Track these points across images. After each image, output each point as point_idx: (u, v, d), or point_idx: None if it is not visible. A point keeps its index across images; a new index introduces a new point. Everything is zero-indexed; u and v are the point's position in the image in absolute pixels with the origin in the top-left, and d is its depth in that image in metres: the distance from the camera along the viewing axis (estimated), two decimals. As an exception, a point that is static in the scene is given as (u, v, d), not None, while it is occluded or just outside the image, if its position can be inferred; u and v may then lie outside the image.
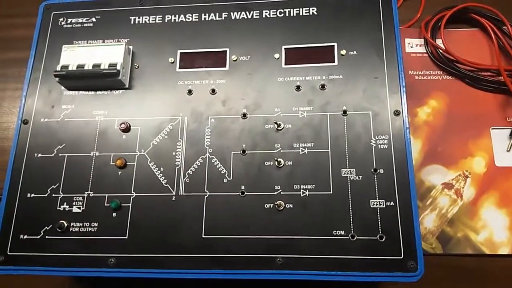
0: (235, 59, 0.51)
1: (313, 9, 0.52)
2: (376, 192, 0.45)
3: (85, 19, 0.55)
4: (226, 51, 0.52)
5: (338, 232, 0.44)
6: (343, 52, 0.50)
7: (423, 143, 0.59)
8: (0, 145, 0.66)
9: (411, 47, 0.65)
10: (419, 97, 0.62)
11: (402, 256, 0.43)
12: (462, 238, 0.55)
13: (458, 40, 0.64)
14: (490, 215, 0.56)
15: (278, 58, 0.51)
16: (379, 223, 0.44)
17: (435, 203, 0.57)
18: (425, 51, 0.64)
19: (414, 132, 0.60)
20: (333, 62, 0.50)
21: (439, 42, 0.63)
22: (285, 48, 0.51)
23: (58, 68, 0.50)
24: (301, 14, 0.52)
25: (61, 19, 0.56)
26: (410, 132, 0.46)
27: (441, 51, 0.62)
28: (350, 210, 0.44)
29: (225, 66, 0.52)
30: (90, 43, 0.54)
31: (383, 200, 0.44)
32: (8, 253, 0.47)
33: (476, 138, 0.59)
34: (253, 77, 0.51)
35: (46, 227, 0.47)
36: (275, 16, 0.53)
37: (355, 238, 0.44)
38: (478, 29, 0.65)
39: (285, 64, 0.51)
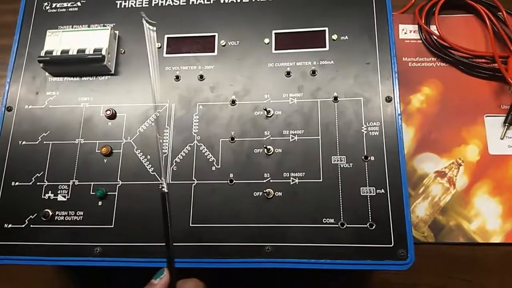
0: (223, 44, 0.50)
1: (304, -7, 0.51)
2: (367, 179, 0.44)
3: (70, 3, 0.54)
4: (214, 36, 0.51)
5: (328, 220, 0.43)
6: (335, 37, 0.49)
7: (416, 130, 0.58)
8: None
9: (405, 33, 0.64)
10: (413, 84, 0.61)
11: (393, 244, 0.42)
12: (455, 227, 0.55)
13: (452, 26, 0.63)
14: (483, 204, 0.55)
15: (268, 43, 0.50)
16: (369, 211, 0.43)
17: (427, 192, 0.56)
18: (419, 37, 0.63)
19: (407, 119, 0.59)
20: (324, 47, 0.49)
21: (433, 28, 0.62)
22: (275, 33, 0.50)
23: (42, 53, 0.49)
24: (292, -3, 0.51)
25: (46, 4, 0.54)
26: (401, 119, 0.45)
27: (435, 37, 0.61)
28: (340, 198, 0.44)
29: (213, 51, 0.50)
30: (75, 27, 0.53)
31: (374, 188, 0.43)
32: (-8, 243, 0.46)
33: (469, 126, 0.58)
34: (242, 62, 0.49)
35: (31, 216, 0.46)
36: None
37: (345, 226, 0.43)
38: (472, 15, 0.64)
39: (275, 49, 0.49)
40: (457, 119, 0.59)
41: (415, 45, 0.63)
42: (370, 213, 0.43)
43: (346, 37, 0.49)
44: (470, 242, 0.54)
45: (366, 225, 0.43)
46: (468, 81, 0.60)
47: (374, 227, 0.42)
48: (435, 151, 0.58)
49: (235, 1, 0.52)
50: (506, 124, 0.57)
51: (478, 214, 0.55)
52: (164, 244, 0.38)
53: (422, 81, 0.61)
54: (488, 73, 0.60)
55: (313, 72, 0.48)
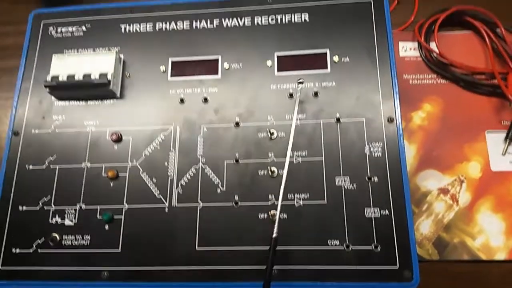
0: (227, 67, 0.51)
1: (305, 15, 0.52)
2: (371, 200, 0.44)
3: (75, 27, 0.55)
4: (218, 59, 0.51)
5: (333, 242, 0.43)
6: (336, 59, 0.50)
7: (418, 148, 0.59)
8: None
9: (405, 50, 0.65)
10: (414, 102, 0.61)
11: (398, 266, 0.42)
12: (459, 244, 0.55)
13: (452, 43, 0.63)
14: (486, 220, 0.55)
15: (270, 66, 0.50)
16: (374, 232, 0.43)
17: (431, 209, 0.56)
18: (419, 54, 0.64)
19: (409, 137, 0.59)
20: (326, 69, 0.50)
21: (433, 45, 0.63)
22: (277, 56, 0.51)
23: (48, 78, 0.50)
24: (293, 21, 0.52)
25: (51, 28, 0.55)
26: (404, 139, 0.46)
27: (435, 54, 0.62)
28: (345, 220, 0.44)
29: (217, 74, 0.51)
30: (80, 51, 0.54)
31: (378, 209, 0.44)
32: (0, 268, 0.46)
33: (471, 142, 0.59)
34: (245, 85, 0.50)
35: (39, 241, 0.47)
36: (267, 23, 0.52)
37: (350, 248, 0.43)
38: (471, 32, 0.64)
39: (278, 71, 0.50)
40: (459, 135, 0.59)
41: (415, 62, 0.64)
42: (374, 234, 0.43)
43: (347, 59, 0.50)
44: (474, 259, 0.54)
45: (371, 247, 0.43)
46: (468, 98, 0.61)
47: (379, 248, 0.43)
48: (437, 168, 0.58)
49: (237, 25, 0.52)
50: (508, 140, 0.58)
51: (482, 231, 0.55)
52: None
53: (423, 98, 0.61)
54: (488, 89, 0.60)
55: (316, 94, 0.49)
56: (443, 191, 0.57)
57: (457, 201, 0.57)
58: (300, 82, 0.47)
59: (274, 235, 0.41)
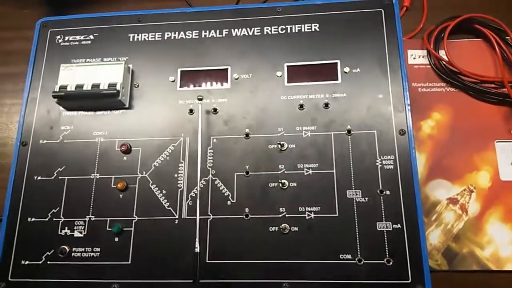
0: (236, 77, 0.51)
1: (315, 25, 0.52)
2: (383, 214, 0.44)
3: (83, 36, 0.54)
4: (227, 69, 0.51)
5: (345, 256, 0.43)
6: (347, 69, 0.49)
7: (428, 157, 0.59)
8: (-2, 162, 0.65)
9: (414, 58, 0.64)
10: (423, 110, 0.61)
11: (410, 280, 0.42)
12: (468, 254, 0.55)
13: (461, 51, 0.63)
14: (496, 230, 0.55)
15: (280, 76, 0.50)
16: (386, 246, 0.43)
17: (440, 219, 0.56)
18: (428, 62, 0.63)
19: (418, 146, 0.59)
20: (337, 80, 0.49)
21: (442, 53, 0.62)
22: (287, 66, 0.51)
23: (57, 88, 0.50)
24: (303, 30, 0.52)
25: (58, 37, 0.55)
26: (415, 152, 0.46)
27: (444, 62, 0.62)
28: (357, 233, 0.44)
29: (226, 84, 0.51)
30: (88, 61, 0.53)
31: (390, 223, 0.44)
32: (10, 279, 0.46)
33: (480, 152, 0.59)
34: (255, 95, 0.50)
35: (48, 253, 0.46)
36: (277, 32, 0.52)
37: (362, 262, 0.43)
38: (481, 40, 0.64)
39: (288, 82, 0.50)
40: (468, 145, 0.59)
41: (424, 70, 0.63)
42: (387, 248, 0.43)
43: (358, 70, 0.49)
44: (483, 270, 0.54)
45: (383, 261, 0.43)
46: (477, 107, 0.61)
47: (391, 263, 0.43)
48: (447, 177, 0.58)
49: (247, 34, 0.52)
50: (517, 149, 0.57)
51: (491, 241, 0.55)
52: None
53: (432, 106, 0.61)
54: (497, 98, 0.60)
55: (326, 105, 0.48)
56: (453, 201, 0.57)
57: (467, 211, 0.56)
58: (200, 99, 0.48)
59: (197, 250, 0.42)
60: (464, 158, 0.58)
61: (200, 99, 0.48)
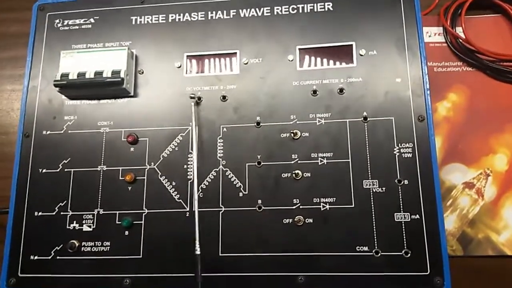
0: (245, 62, 0.48)
1: (328, 4, 0.49)
2: (401, 204, 0.43)
3: (82, 20, 0.52)
4: (236, 53, 0.49)
5: (362, 248, 0.42)
6: (362, 52, 0.47)
7: (443, 140, 0.57)
8: (-1, 150, 0.64)
9: (429, 36, 0.61)
10: (439, 91, 0.58)
11: (428, 272, 0.41)
12: (483, 239, 0.54)
13: (479, 28, 0.60)
14: (512, 215, 0.54)
15: (292, 60, 0.48)
16: (404, 237, 0.42)
17: (455, 204, 0.55)
18: (444, 40, 0.61)
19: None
20: (352, 63, 0.47)
21: (459, 30, 0.59)
22: (299, 49, 0.48)
23: (58, 77, 0.47)
24: (315, 10, 0.49)
25: (57, 21, 0.52)
26: (435, 139, 0.44)
27: (461, 40, 0.59)
28: (374, 225, 0.43)
29: (235, 70, 0.48)
30: (89, 46, 0.51)
31: (408, 213, 0.42)
32: (19, 275, 0.45)
33: (498, 134, 0.57)
34: (265, 81, 0.47)
35: (57, 247, 0.46)
36: (288, 12, 0.49)
37: (379, 254, 0.42)
38: (500, 15, 0.61)
39: (300, 66, 0.47)
40: (485, 126, 0.57)
41: (440, 48, 0.61)
42: (405, 240, 0.42)
43: (375, 52, 0.47)
44: (499, 255, 0.53)
45: (401, 253, 0.42)
46: (495, 87, 0.58)
47: (409, 254, 0.42)
48: (462, 161, 0.56)
49: (256, 14, 0.49)
50: (536, 131, 0.55)
51: (507, 226, 0.54)
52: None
53: (448, 87, 0.59)
54: (517, 77, 0.58)
55: (341, 90, 0.46)
56: (468, 185, 0.55)
57: (483, 196, 0.55)
58: (192, 97, 0.46)
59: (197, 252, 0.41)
60: (481, 141, 0.57)
61: (193, 98, 0.46)
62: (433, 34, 0.61)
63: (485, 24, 0.60)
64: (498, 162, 0.56)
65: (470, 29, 0.59)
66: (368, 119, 0.45)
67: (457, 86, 0.59)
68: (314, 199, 0.44)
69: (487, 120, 0.57)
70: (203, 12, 0.50)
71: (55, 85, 0.47)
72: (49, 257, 0.45)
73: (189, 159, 0.46)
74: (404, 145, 0.44)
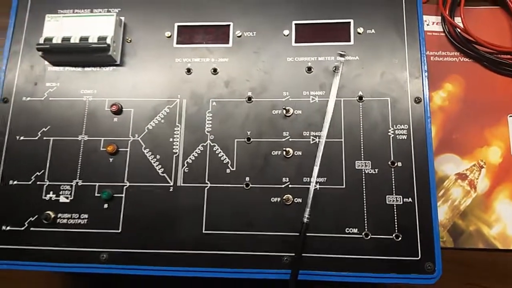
0: (239, 34, 0.46)
1: (327, -19, 0.47)
2: (393, 187, 0.41)
3: (70, -16, 0.49)
4: (229, 25, 0.47)
5: (351, 230, 0.41)
6: (360, 30, 0.45)
7: (437, 130, 0.56)
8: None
9: (428, 25, 0.60)
10: (435, 80, 0.57)
11: (419, 257, 0.40)
12: (474, 232, 0.53)
13: (478, 19, 0.59)
14: (504, 208, 0.53)
15: (287, 35, 0.46)
16: (396, 221, 0.40)
17: (447, 195, 0.54)
18: (442, 29, 0.60)
19: (428, 118, 0.56)
20: (349, 41, 0.45)
21: (457, 20, 0.58)
22: (295, 24, 0.46)
23: (41, 40, 0.45)
24: (314, -15, 0.47)
25: (44, -16, 0.49)
26: (431, 122, 0.42)
27: (459, 30, 0.58)
28: (365, 206, 0.41)
29: (228, 43, 0.46)
30: (76, 12, 0.48)
31: (401, 196, 0.41)
32: (-11, 246, 0.43)
33: (492, 126, 0.56)
34: (259, 55, 0.46)
35: (31, 218, 0.43)
36: (285, -14, 0.47)
37: (369, 236, 0.40)
38: (499, 7, 0.60)
39: (295, 42, 0.46)
40: (480, 118, 0.56)
41: (437, 38, 0.60)
42: (396, 223, 0.40)
43: (373, 31, 0.45)
44: (490, 248, 0.52)
45: (391, 236, 0.40)
46: (492, 79, 0.57)
47: (400, 238, 0.40)
48: (456, 152, 0.55)
49: (252, -13, 0.47)
50: (531, 125, 0.54)
51: (499, 219, 0.53)
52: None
53: (445, 77, 0.58)
54: (513, 70, 0.57)
55: (336, 69, 0.44)
56: (461, 176, 0.54)
57: (475, 188, 0.54)
58: (341, 55, 0.43)
59: (305, 220, 0.40)
60: (475, 132, 0.56)
61: (343, 55, 0.44)
62: (431, 23, 0.60)
63: (484, 16, 0.60)
64: (492, 154, 0.55)
65: (468, 20, 0.58)
66: (364, 99, 0.44)
67: (453, 76, 0.58)
68: (304, 178, 0.42)
69: (482, 112, 0.56)
70: (197, -19, 0.48)
71: (38, 49, 0.45)
72: (22, 228, 0.43)
73: (175, 132, 0.44)
74: (399, 126, 0.42)
